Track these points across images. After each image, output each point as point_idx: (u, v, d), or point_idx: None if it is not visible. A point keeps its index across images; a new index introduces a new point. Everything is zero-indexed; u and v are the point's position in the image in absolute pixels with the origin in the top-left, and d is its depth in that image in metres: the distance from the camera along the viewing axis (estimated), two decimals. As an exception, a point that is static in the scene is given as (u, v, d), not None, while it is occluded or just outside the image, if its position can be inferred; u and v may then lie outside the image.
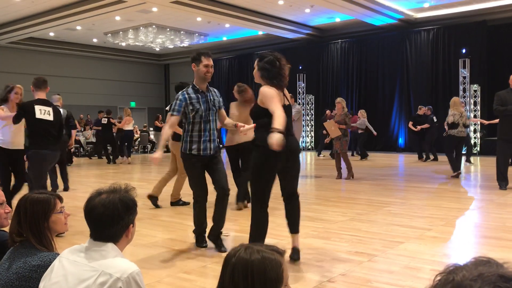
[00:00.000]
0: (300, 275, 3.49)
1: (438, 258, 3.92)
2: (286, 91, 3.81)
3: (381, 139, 17.35)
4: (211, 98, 4.26)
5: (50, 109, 5.21)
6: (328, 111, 15.41)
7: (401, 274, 3.47)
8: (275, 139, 3.19)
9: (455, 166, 9.28)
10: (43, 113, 5.10)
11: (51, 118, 5.16)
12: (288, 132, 3.51)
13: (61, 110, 6.84)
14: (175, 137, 6.25)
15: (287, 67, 3.78)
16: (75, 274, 1.68)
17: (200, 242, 4.41)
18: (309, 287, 3.25)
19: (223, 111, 4.45)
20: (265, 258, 1.30)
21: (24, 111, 5.12)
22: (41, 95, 5.23)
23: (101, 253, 1.72)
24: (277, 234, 4.60)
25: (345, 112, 9.53)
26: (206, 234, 4.42)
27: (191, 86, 4.25)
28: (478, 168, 11.44)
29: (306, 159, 15.28)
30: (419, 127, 13.26)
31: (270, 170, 3.62)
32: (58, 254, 1.88)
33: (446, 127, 9.37)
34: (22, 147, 5.67)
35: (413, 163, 12.81)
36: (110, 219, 1.75)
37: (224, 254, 1.74)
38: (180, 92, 4.26)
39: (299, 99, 19.16)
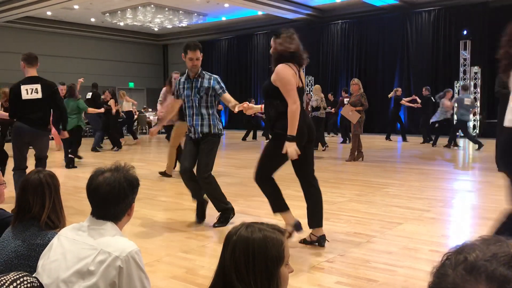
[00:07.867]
0: (299, 255, 3.50)
1: (437, 239, 3.94)
2: (302, 72, 3.72)
3: (380, 121, 17.29)
4: (197, 85, 4.36)
5: (38, 86, 5.06)
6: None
7: (400, 255, 3.49)
8: (291, 151, 3.45)
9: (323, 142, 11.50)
10: (29, 92, 5.03)
11: (39, 95, 5.05)
12: (304, 119, 3.60)
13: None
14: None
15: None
16: (74, 252, 1.68)
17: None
18: (308, 267, 3.27)
19: (225, 95, 4.42)
20: (266, 236, 1.28)
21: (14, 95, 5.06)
22: (32, 72, 5.11)
23: (100, 232, 1.71)
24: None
25: (361, 93, 9.37)
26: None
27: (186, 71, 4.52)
28: (477, 151, 11.44)
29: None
30: (405, 102, 14.20)
31: (285, 158, 3.61)
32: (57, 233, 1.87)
33: (309, 110, 11.10)
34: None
35: (412, 145, 12.80)
36: (116, 198, 1.73)
37: (224, 229, 1.72)
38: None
39: (298, 80, 19.02)
